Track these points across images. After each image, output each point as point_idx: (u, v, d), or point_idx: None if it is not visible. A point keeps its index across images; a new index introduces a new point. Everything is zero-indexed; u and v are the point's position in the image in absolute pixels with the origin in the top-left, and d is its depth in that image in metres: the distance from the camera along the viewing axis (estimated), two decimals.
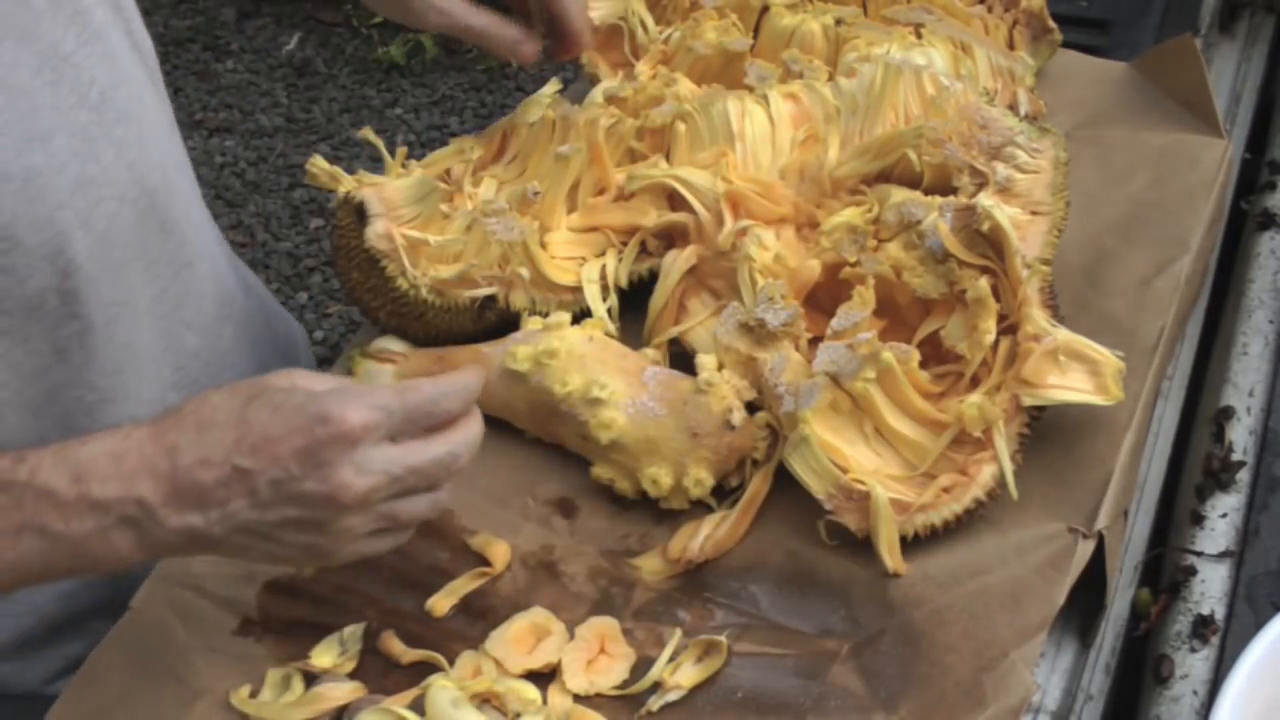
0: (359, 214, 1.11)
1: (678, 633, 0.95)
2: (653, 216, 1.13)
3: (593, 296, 1.11)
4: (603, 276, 1.13)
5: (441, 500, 0.87)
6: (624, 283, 1.13)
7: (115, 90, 1.00)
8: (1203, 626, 0.97)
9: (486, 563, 1.01)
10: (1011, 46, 1.28)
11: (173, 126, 1.13)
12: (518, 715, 0.90)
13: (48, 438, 0.92)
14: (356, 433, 0.80)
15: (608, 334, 1.08)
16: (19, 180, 0.91)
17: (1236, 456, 1.07)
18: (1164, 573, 1.04)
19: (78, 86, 0.96)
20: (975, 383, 1.00)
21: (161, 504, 0.81)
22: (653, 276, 1.12)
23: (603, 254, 1.14)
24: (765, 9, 1.27)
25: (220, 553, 0.86)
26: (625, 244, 1.14)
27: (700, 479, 1.00)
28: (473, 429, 0.87)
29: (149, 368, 1.09)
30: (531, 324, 1.07)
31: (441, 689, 0.88)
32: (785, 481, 1.00)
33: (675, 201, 1.13)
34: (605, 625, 0.96)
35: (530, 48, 1.14)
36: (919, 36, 1.23)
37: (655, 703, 0.92)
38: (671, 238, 1.14)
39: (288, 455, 0.81)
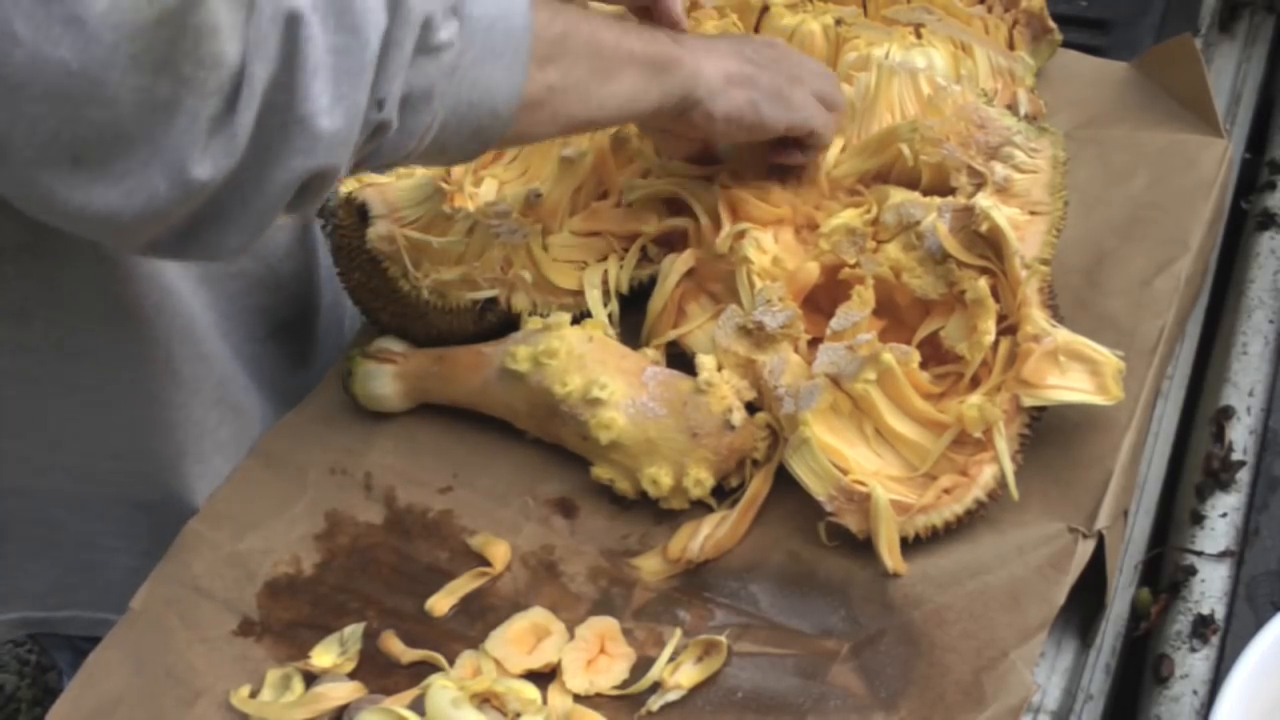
0: (361, 215, 1.11)
1: (678, 633, 0.95)
2: (653, 223, 1.13)
3: (594, 301, 1.11)
4: (604, 281, 1.13)
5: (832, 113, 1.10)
6: (625, 289, 1.13)
7: None
8: (1203, 626, 0.97)
9: (486, 563, 1.01)
10: (1011, 46, 1.28)
11: None
12: (518, 715, 0.90)
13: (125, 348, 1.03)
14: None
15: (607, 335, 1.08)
16: None
17: (1236, 456, 1.07)
18: (1164, 573, 1.04)
19: None
20: (975, 383, 1.00)
21: (701, 57, 1.00)
22: (653, 282, 1.12)
23: (604, 258, 1.14)
24: (765, 9, 1.27)
25: (744, 80, 1.02)
26: (626, 249, 1.14)
27: (700, 479, 1.00)
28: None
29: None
30: (531, 324, 1.08)
31: (441, 689, 0.89)
32: (785, 482, 1.00)
33: (675, 206, 1.14)
34: (605, 625, 0.96)
35: None
36: (919, 37, 1.23)
37: (655, 703, 0.92)
38: (671, 242, 1.14)
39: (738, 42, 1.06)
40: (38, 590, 1.18)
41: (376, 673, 0.96)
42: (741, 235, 1.08)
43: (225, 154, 0.71)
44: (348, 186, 1.14)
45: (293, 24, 0.69)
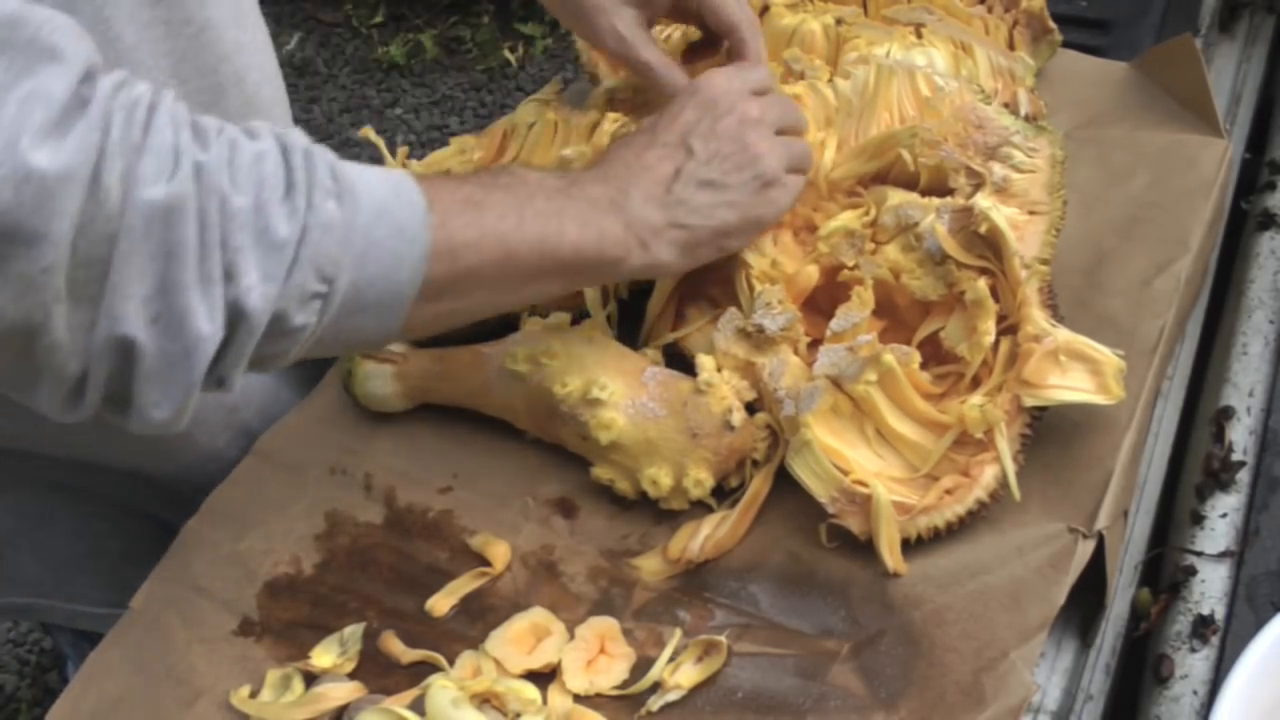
0: None
1: (678, 633, 0.95)
2: None
3: (593, 303, 1.11)
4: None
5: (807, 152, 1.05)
6: (624, 293, 1.13)
7: None
8: (1203, 626, 0.97)
9: (486, 563, 1.01)
10: (1012, 47, 1.28)
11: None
12: (518, 715, 0.90)
13: None
14: (719, 82, 1.01)
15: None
16: (196, 26, 1.00)
17: (1236, 456, 1.07)
18: (1164, 573, 1.04)
19: None
20: (976, 384, 1.00)
21: (634, 194, 0.94)
22: (651, 284, 1.12)
23: None
24: (765, 8, 1.27)
25: (696, 222, 0.97)
26: None
27: (700, 479, 1.00)
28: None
29: None
30: (531, 324, 1.07)
31: (441, 689, 0.89)
32: (785, 482, 1.00)
33: None
34: (605, 625, 0.96)
35: None
36: (919, 36, 1.23)
37: (655, 703, 0.92)
38: None
39: (690, 117, 0.98)
40: (28, 578, 1.19)
41: (376, 673, 0.96)
42: None
43: (80, 415, 0.78)
44: None
45: (126, 346, 0.74)
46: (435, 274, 0.84)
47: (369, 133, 1.18)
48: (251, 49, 1.07)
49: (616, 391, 1.01)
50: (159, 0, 0.96)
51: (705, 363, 1.03)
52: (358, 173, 0.83)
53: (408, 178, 0.85)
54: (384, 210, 0.82)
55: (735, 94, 1.00)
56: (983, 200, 1.02)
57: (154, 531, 1.14)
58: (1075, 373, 0.96)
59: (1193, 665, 0.96)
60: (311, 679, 0.95)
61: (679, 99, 1.00)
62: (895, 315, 1.06)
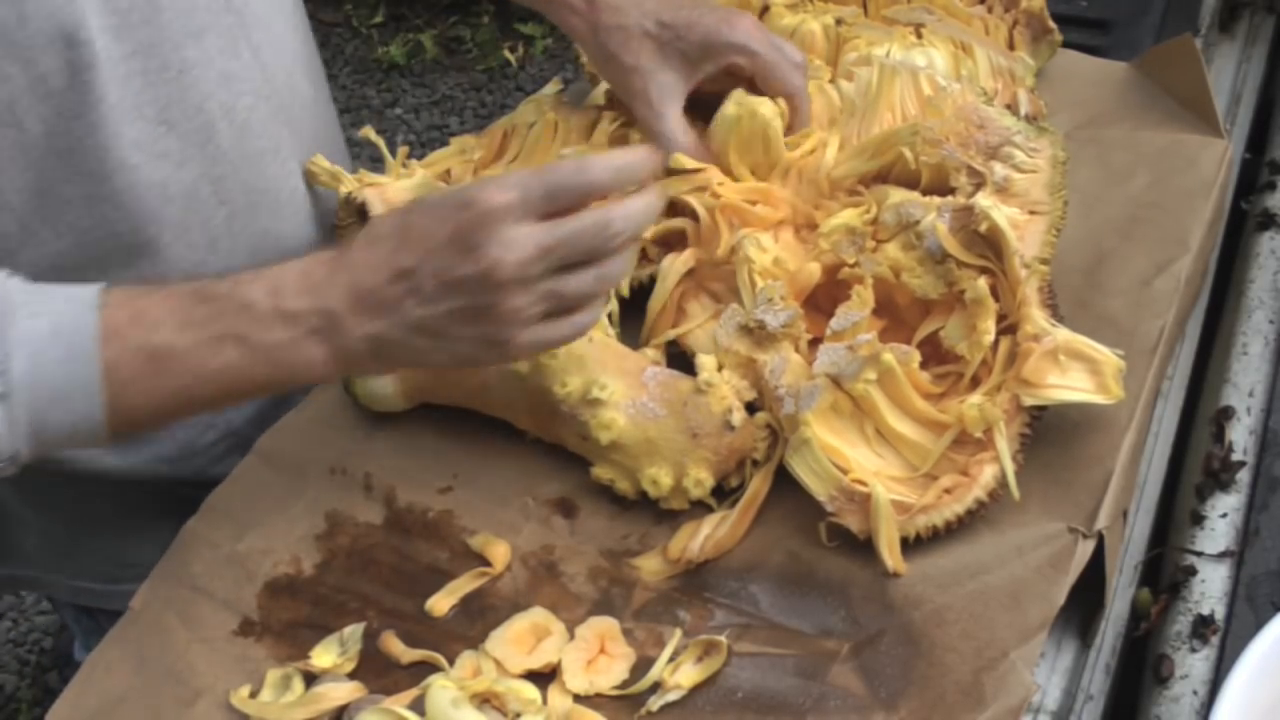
0: (361, 215, 1.11)
1: (678, 633, 0.95)
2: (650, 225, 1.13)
3: None
4: None
5: (611, 274, 0.88)
6: (625, 291, 1.13)
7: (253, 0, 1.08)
8: (1203, 626, 0.97)
9: (486, 563, 1.01)
10: (1012, 47, 1.28)
11: (306, 35, 1.20)
12: (518, 715, 0.90)
13: None
14: (497, 212, 0.84)
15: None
16: (175, 70, 1.00)
17: (1236, 456, 1.07)
18: (1164, 573, 1.04)
19: None
20: (975, 383, 1.00)
21: (346, 314, 0.87)
22: (653, 281, 1.12)
23: None
24: (765, 8, 1.27)
25: (406, 359, 0.90)
26: None
27: (700, 479, 1.00)
28: (635, 201, 0.87)
29: (283, 257, 1.16)
30: None
31: (441, 689, 0.88)
32: (785, 482, 1.00)
33: (673, 207, 1.13)
34: (605, 625, 0.96)
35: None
36: (919, 36, 1.23)
37: (655, 703, 0.92)
38: (670, 243, 1.14)
39: (441, 246, 0.85)
40: (30, 553, 1.20)
41: (376, 673, 0.96)
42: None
43: None
44: (347, 186, 1.14)
45: None
46: (118, 428, 0.88)
47: (369, 132, 1.18)
48: (245, 75, 1.07)
49: (616, 391, 1.01)
50: (133, 53, 0.96)
51: (705, 362, 1.03)
52: (27, 352, 0.84)
53: (88, 337, 0.85)
54: (54, 397, 0.84)
55: (503, 228, 0.84)
56: (983, 199, 1.02)
57: (154, 507, 1.15)
58: (1075, 372, 0.96)
59: (1193, 665, 0.96)
60: (311, 679, 0.95)
61: (445, 208, 0.86)
62: (895, 314, 1.06)
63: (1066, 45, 1.30)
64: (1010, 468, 0.95)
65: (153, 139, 0.99)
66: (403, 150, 1.16)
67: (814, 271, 1.06)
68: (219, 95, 1.04)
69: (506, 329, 0.87)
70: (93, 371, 0.85)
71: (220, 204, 1.07)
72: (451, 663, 0.95)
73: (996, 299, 1.00)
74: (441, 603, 0.99)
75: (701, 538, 0.99)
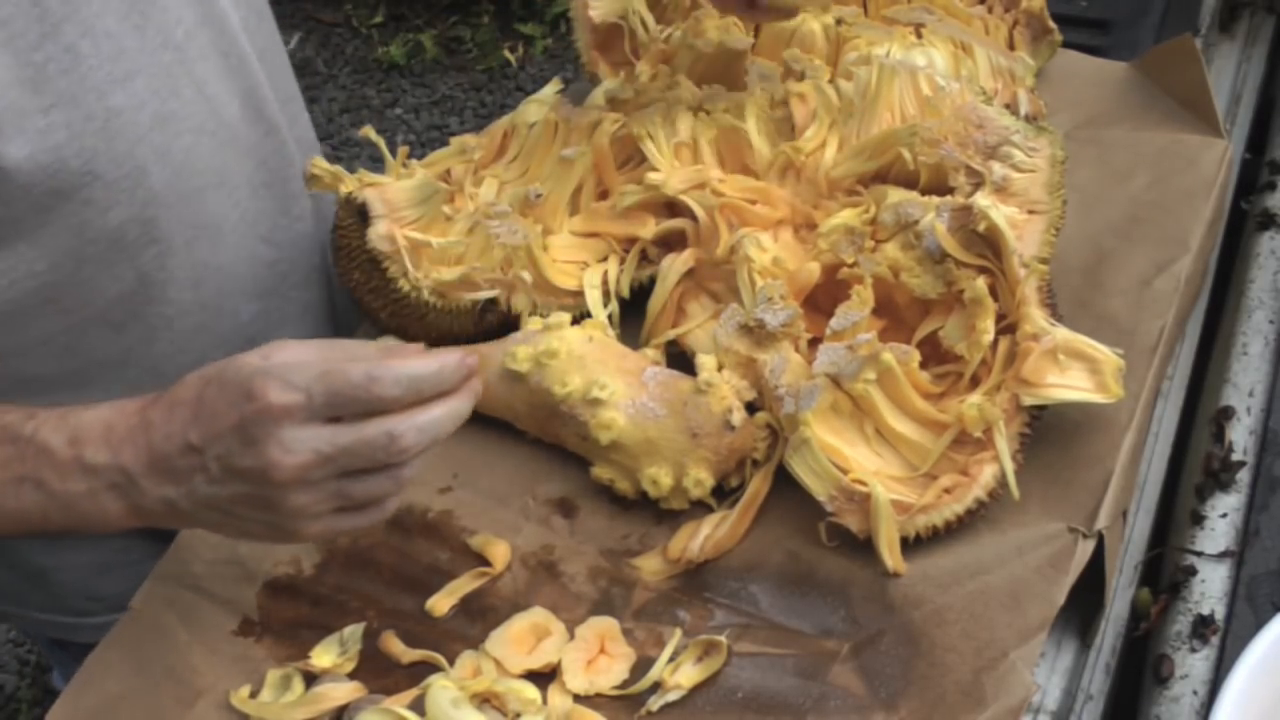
0: (361, 215, 1.11)
1: (678, 633, 0.95)
2: (651, 226, 1.13)
3: (594, 302, 1.11)
4: (604, 282, 1.13)
5: (405, 478, 0.85)
6: (625, 293, 1.13)
7: (202, 29, 1.04)
8: (1203, 626, 0.97)
9: (486, 563, 1.01)
10: (1012, 47, 1.28)
11: (277, 61, 1.17)
12: (518, 715, 0.90)
13: (133, 350, 1.07)
14: (275, 411, 0.81)
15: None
16: (100, 120, 0.96)
17: (1236, 456, 1.07)
18: (1164, 573, 1.04)
19: (164, 28, 1.00)
20: (975, 383, 1.00)
21: (141, 474, 0.85)
22: (653, 282, 1.12)
23: (604, 259, 1.14)
24: None
25: (199, 526, 0.89)
26: (626, 250, 1.14)
27: (700, 479, 1.00)
28: (431, 411, 0.83)
29: (228, 281, 1.14)
30: (532, 324, 1.07)
31: (441, 689, 0.88)
32: (785, 482, 1.00)
33: (673, 207, 1.14)
34: (605, 625, 0.96)
35: None
36: (919, 36, 1.23)
37: (655, 703, 0.92)
38: (670, 243, 1.14)
39: (226, 431, 0.82)
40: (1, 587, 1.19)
41: (376, 673, 0.96)
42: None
43: None
44: (348, 186, 1.14)
45: None
46: None
47: (369, 132, 1.18)
48: (186, 113, 1.03)
49: (617, 391, 1.01)
50: (53, 106, 0.93)
51: (706, 362, 1.03)
52: None
53: None
54: None
55: (283, 430, 0.81)
56: (982, 199, 1.02)
57: (123, 541, 1.14)
58: (1074, 371, 0.96)
59: (1193, 665, 0.96)
60: (311, 679, 0.95)
61: (235, 392, 0.82)
62: (895, 314, 1.06)
63: (1066, 45, 1.30)
64: (1010, 467, 0.95)
65: (76, 188, 0.96)
66: (403, 150, 1.16)
67: (813, 271, 1.06)
68: (152, 139, 1.01)
69: (290, 521, 0.84)
70: None
71: (151, 243, 1.04)
72: (451, 663, 0.95)
73: (995, 298, 1.00)
74: (441, 603, 0.99)
75: (701, 538, 0.99)
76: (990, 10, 1.30)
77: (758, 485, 1.01)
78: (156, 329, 1.09)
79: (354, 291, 1.13)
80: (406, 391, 0.82)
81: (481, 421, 1.09)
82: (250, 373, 0.82)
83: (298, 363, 0.82)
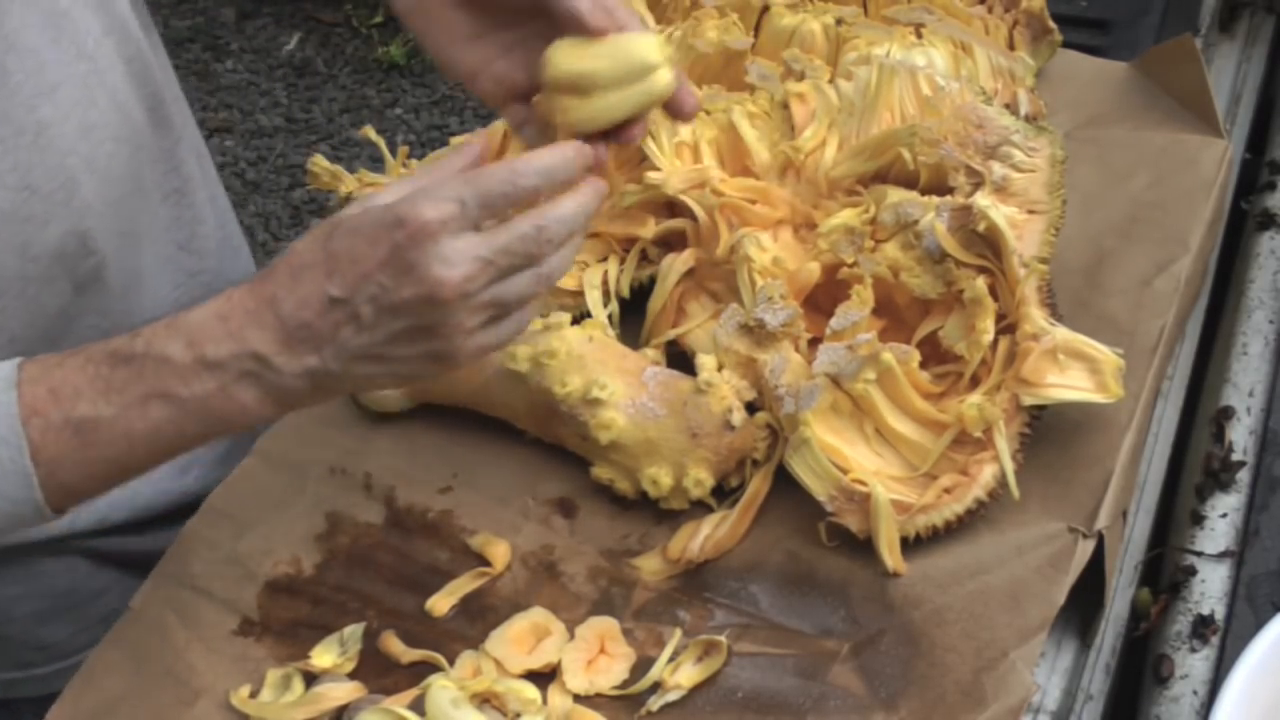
0: None
1: (678, 633, 0.95)
2: (651, 226, 1.13)
3: (594, 303, 1.11)
4: (604, 282, 1.13)
5: (550, 274, 0.86)
6: (625, 292, 1.13)
7: (108, 36, 1.03)
8: (1203, 626, 0.97)
9: (486, 563, 1.01)
10: (1011, 47, 1.28)
11: (163, 62, 1.15)
12: (518, 715, 0.90)
13: None
14: (433, 227, 0.80)
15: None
16: (31, 134, 0.95)
17: (1236, 456, 1.07)
18: (1164, 573, 1.04)
19: (76, 38, 1.00)
20: (975, 383, 1.00)
21: (276, 353, 0.82)
22: (653, 282, 1.12)
23: (604, 259, 1.14)
24: (766, 8, 1.27)
25: (348, 387, 0.88)
26: (627, 250, 1.14)
27: (700, 479, 1.00)
28: (567, 202, 0.84)
29: (154, 289, 1.13)
30: (532, 324, 1.07)
31: (441, 689, 0.88)
32: (785, 482, 1.00)
33: (673, 207, 1.14)
34: (605, 625, 0.96)
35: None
36: (919, 36, 1.23)
37: (655, 703, 0.92)
38: (670, 243, 1.14)
39: (375, 269, 0.80)
40: None
41: (376, 673, 0.96)
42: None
43: None
44: (348, 186, 1.14)
45: None
46: (60, 505, 0.85)
47: (369, 132, 1.18)
48: (104, 122, 1.02)
49: (616, 391, 1.01)
50: None
51: (705, 362, 1.03)
52: None
53: (9, 417, 0.82)
54: None
55: (441, 245, 0.80)
56: (982, 199, 1.02)
57: (67, 583, 1.12)
58: (1074, 371, 0.96)
59: (1193, 665, 0.96)
60: (311, 679, 0.95)
61: (376, 228, 0.81)
62: (895, 314, 1.06)
63: (1066, 45, 1.30)
64: (1010, 467, 0.95)
65: (15, 205, 0.95)
66: (403, 150, 1.16)
67: (813, 271, 1.06)
68: (80, 149, 1.00)
69: (451, 342, 0.84)
70: (20, 454, 0.82)
71: (88, 254, 1.03)
72: (451, 663, 0.95)
73: (995, 298, 1.00)
74: (441, 603, 0.99)
75: (701, 538, 0.99)
76: (990, 10, 1.30)
77: (758, 485, 1.01)
78: (90, 341, 1.05)
79: None
80: (545, 181, 0.84)
81: (481, 421, 1.09)
82: (384, 208, 0.81)
83: (433, 185, 0.82)
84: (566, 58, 0.90)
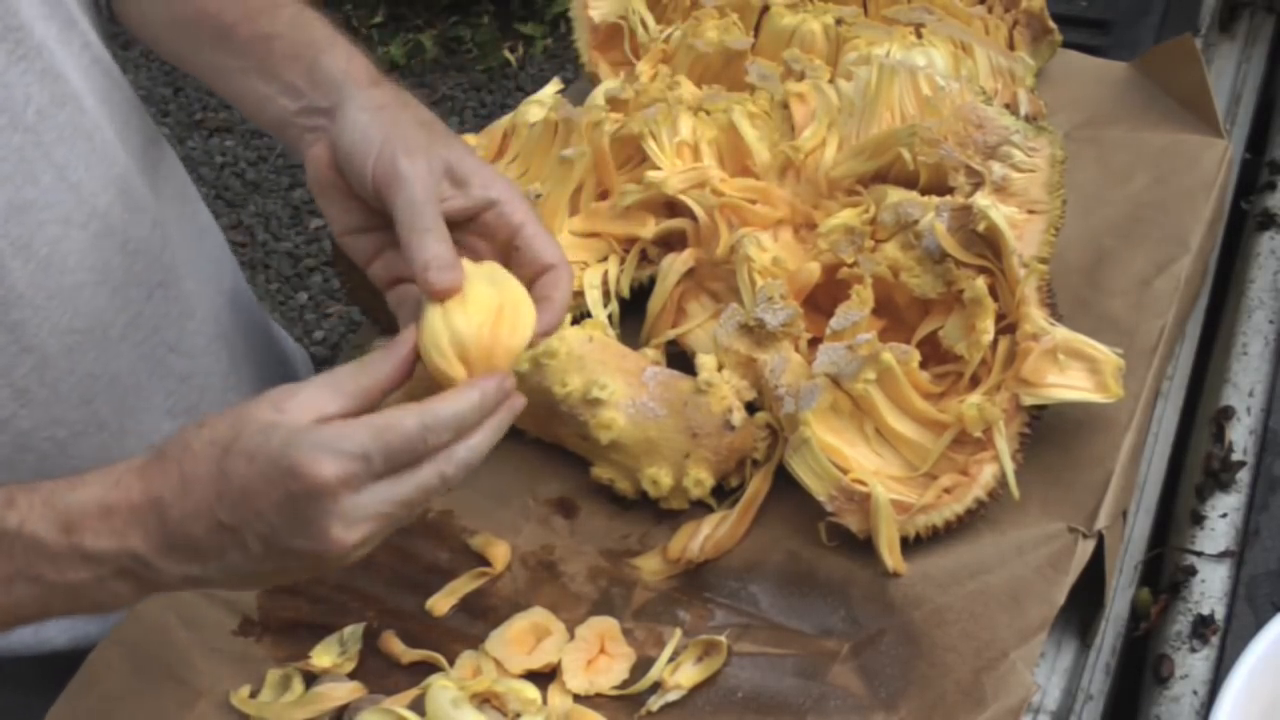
0: None
1: (678, 633, 0.95)
2: (651, 226, 1.13)
3: (594, 302, 1.11)
4: (604, 282, 1.13)
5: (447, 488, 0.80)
6: (625, 292, 1.13)
7: (57, 109, 0.96)
8: (1203, 626, 0.97)
9: (486, 563, 1.01)
10: (1012, 47, 1.28)
11: (149, 140, 1.08)
12: (518, 715, 0.90)
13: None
14: (333, 486, 0.73)
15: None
16: None
17: (1236, 456, 1.07)
18: (1164, 573, 1.04)
19: (9, 106, 0.92)
20: (975, 383, 1.00)
21: (158, 557, 0.77)
22: (653, 282, 1.12)
23: (604, 259, 1.14)
24: (766, 8, 1.27)
25: (229, 589, 0.87)
26: (627, 250, 1.14)
27: (700, 479, 1.00)
28: (478, 436, 0.79)
29: (132, 396, 1.06)
30: None
31: (441, 689, 0.88)
32: (785, 481, 1.00)
33: (672, 207, 1.14)
34: (605, 625, 0.96)
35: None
36: (919, 36, 1.23)
37: (655, 703, 0.92)
38: (670, 243, 1.14)
39: (269, 510, 0.74)
40: None
41: (376, 673, 0.96)
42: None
43: None
44: None
45: None
46: None
47: None
48: (47, 201, 0.95)
49: (616, 391, 1.01)
50: None
51: (705, 362, 1.03)
52: None
53: None
54: None
55: (341, 503, 0.74)
56: (982, 199, 1.02)
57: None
58: (1074, 371, 0.96)
59: (1193, 665, 0.96)
60: (311, 679, 0.95)
61: (270, 469, 0.74)
62: (895, 314, 1.06)
63: (1066, 45, 1.30)
64: (1010, 467, 0.95)
65: None
66: None
67: (813, 271, 1.06)
68: (8, 230, 0.92)
69: (341, 564, 0.78)
70: None
71: (23, 352, 0.95)
72: (451, 663, 0.95)
73: (995, 298, 1.00)
74: (441, 603, 0.99)
75: (701, 538, 0.99)
76: (990, 10, 1.30)
77: (758, 485, 1.01)
78: (50, 456, 1.00)
79: (354, 292, 1.13)
80: (457, 433, 0.78)
81: None
82: (282, 445, 0.74)
83: (338, 429, 0.75)
84: (434, 351, 0.84)
